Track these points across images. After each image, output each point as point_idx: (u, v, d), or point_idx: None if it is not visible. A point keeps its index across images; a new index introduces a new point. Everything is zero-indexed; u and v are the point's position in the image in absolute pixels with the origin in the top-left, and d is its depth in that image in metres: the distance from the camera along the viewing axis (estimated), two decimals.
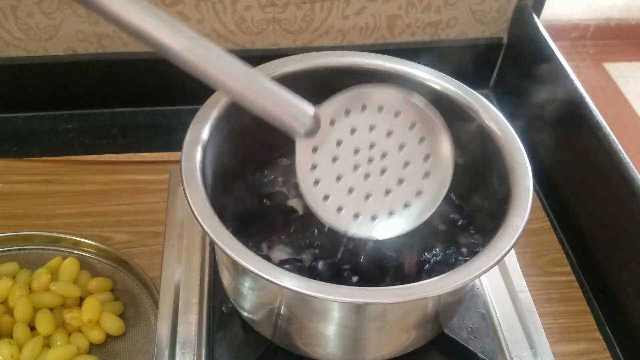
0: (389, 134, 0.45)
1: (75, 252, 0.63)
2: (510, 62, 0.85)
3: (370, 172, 0.45)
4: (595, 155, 0.65)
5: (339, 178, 0.45)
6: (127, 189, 0.72)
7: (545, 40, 0.75)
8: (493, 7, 0.81)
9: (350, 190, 0.45)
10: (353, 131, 0.45)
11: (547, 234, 0.71)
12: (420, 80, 0.51)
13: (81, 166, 0.74)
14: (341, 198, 0.45)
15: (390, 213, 0.45)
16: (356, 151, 0.45)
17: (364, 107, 0.45)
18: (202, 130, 0.45)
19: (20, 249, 0.63)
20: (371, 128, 0.45)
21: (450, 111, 0.50)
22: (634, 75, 1.87)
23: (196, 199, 0.40)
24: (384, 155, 0.45)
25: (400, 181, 0.45)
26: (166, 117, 0.83)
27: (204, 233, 0.50)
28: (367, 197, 0.45)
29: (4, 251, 0.62)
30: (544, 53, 0.75)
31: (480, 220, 0.51)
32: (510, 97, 0.86)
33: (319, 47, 0.81)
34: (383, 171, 0.45)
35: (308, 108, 0.44)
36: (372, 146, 0.45)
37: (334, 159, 0.45)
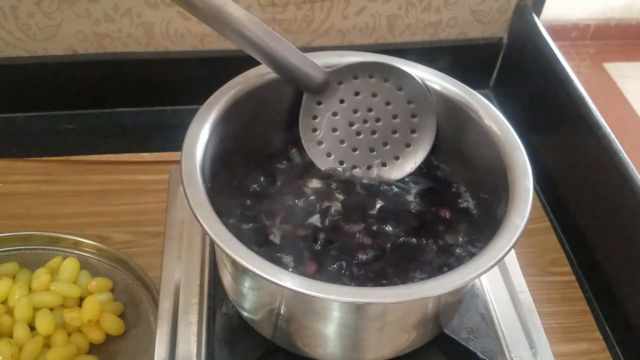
0: (387, 103, 0.52)
1: (75, 252, 0.63)
2: (510, 62, 0.85)
3: (362, 131, 0.52)
4: (595, 155, 0.65)
5: (334, 130, 0.52)
6: (127, 189, 0.72)
7: (545, 40, 0.75)
8: (493, 7, 0.81)
9: (342, 142, 0.52)
10: (357, 94, 0.51)
11: (547, 234, 0.71)
12: (420, 80, 0.51)
13: (81, 166, 0.74)
14: (332, 146, 0.52)
15: (369, 167, 0.53)
16: (355, 111, 0.52)
17: (371, 76, 0.51)
18: (202, 130, 0.45)
19: (20, 249, 0.63)
20: (373, 95, 0.52)
21: (450, 111, 0.50)
22: (634, 75, 1.87)
23: (196, 199, 0.40)
24: (377, 120, 0.52)
25: (385, 144, 0.52)
26: (166, 117, 0.83)
27: (204, 233, 0.50)
28: (354, 150, 0.52)
29: (4, 251, 0.62)
30: (544, 53, 0.75)
31: (480, 220, 0.51)
32: (510, 97, 0.86)
33: (319, 47, 0.81)
34: (373, 132, 0.52)
35: (319, 68, 0.49)
36: (369, 110, 0.52)
37: (334, 114, 0.52)
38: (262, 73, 0.50)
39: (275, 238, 0.48)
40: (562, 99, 0.71)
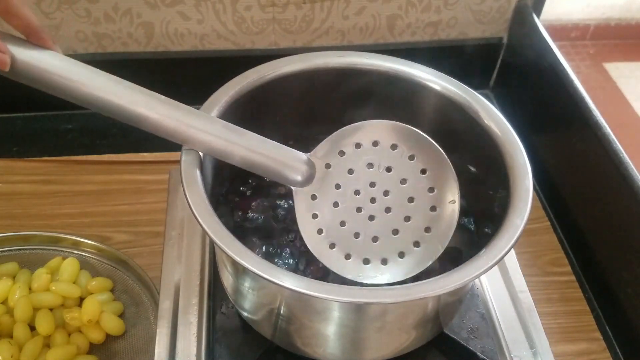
0: (389, 169, 0.44)
1: (75, 252, 0.63)
2: (510, 62, 0.85)
3: (375, 213, 0.44)
4: (595, 155, 0.65)
5: (342, 224, 0.44)
6: (127, 189, 0.72)
7: (545, 40, 0.75)
8: (493, 7, 0.81)
9: (357, 235, 0.43)
10: (351, 172, 0.44)
11: (547, 234, 0.71)
12: (420, 80, 0.51)
13: (81, 166, 0.74)
14: (348, 244, 0.43)
15: (401, 254, 0.43)
16: (357, 192, 0.44)
17: (358, 145, 0.44)
18: None
19: (20, 249, 0.63)
20: (369, 165, 0.44)
21: (450, 111, 0.50)
22: (634, 75, 1.87)
23: (196, 199, 0.40)
24: (386, 193, 0.44)
25: (407, 218, 0.43)
26: None
27: (204, 233, 0.50)
28: (375, 239, 0.43)
29: (4, 251, 0.62)
30: (544, 53, 0.75)
31: (480, 220, 0.51)
32: (510, 97, 0.86)
33: (319, 47, 0.81)
34: (388, 209, 0.44)
35: (300, 156, 0.44)
36: (372, 185, 0.44)
37: (335, 204, 0.44)
38: (262, 73, 0.50)
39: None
40: (562, 99, 0.71)
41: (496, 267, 0.53)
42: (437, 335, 0.49)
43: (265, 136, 0.48)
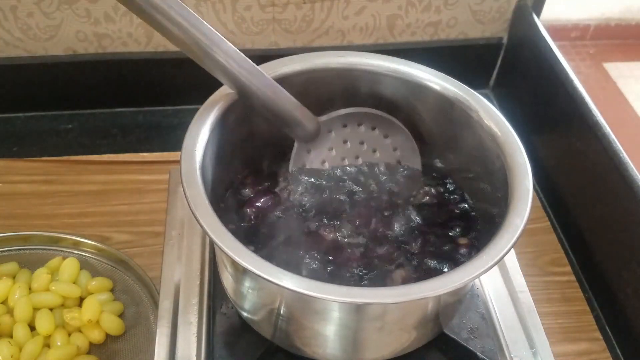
0: (374, 150, 0.53)
1: (75, 252, 0.63)
2: (510, 62, 0.85)
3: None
4: (595, 155, 0.65)
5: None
6: (127, 189, 0.72)
7: (545, 40, 0.75)
8: (493, 7, 0.81)
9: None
10: (345, 142, 0.52)
11: (547, 234, 0.71)
12: (420, 80, 0.51)
13: (81, 166, 0.74)
14: None
15: None
16: (342, 158, 0.53)
17: (359, 124, 0.52)
18: (202, 130, 0.45)
19: (20, 249, 0.63)
20: (361, 142, 0.53)
21: (450, 111, 0.50)
22: (634, 75, 1.87)
23: (196, 199, 0.40)
24: (365, 162, 0.53)
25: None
26: (166, 117, 0.83)
27: (204, 233, 0.50)
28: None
29: (4, 251, 0.62)
30: (544, 53, 0.75)
31: (479, 220, 0.51)
32: (510, 97, 0.86)
33: (319, 47, 0.81)
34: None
35: (313, 117, 0.50)
36: (356, 157, 0.53)
37: (323, 162, 0.53)
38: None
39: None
40: (562, 99, 0.71)
41: (496, 267, 0.53)
42: (437, 336, 0.49)
43: (264, 136, 0.48)
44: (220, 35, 0.42)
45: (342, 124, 0.52)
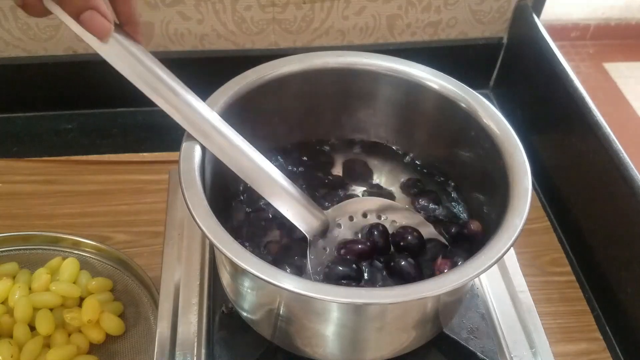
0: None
1: (75, 252, 0.63)
2: (510, 62, 0.85)
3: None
4: (595, 155, 0.65)
5: None
6: (127, 189, 0.72)
7: (545, 40, 0.75)
8: (493, 7, 0.81)
9: None
10: (356, 234, 0.49)
11: (547, 234, 0.71)
12: (420, 80, 0.51)
13: (81, 166, 0.74)
14: None
15: None
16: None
17: (364, 215, 0.50)
18: None
19: (20, 249, 0.63)
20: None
21: (450, 111, 0.50)
22: (634, 75, 1.87)
23: (195, 201, 0.40)
24: None
25: None
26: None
27: (203, 234, 0.50)
28: None
29: (4, 251, 0.62)
30: (544, 53, 0.75)
31: (479, 220, 0.51)
32: (510, 97, 0.86)
33: (319, 47, 0.81)
34: None
35: (321, 214, 0.48)
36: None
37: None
38: (262, 73, 0.50)
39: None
40: (562, 99, 0.71)
41: (496, 267, 0.53)
42: (437, 335, 0.49)
43: (264, 136, 0.48)
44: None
45: (348, 217, 0.49)
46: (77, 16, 0.37)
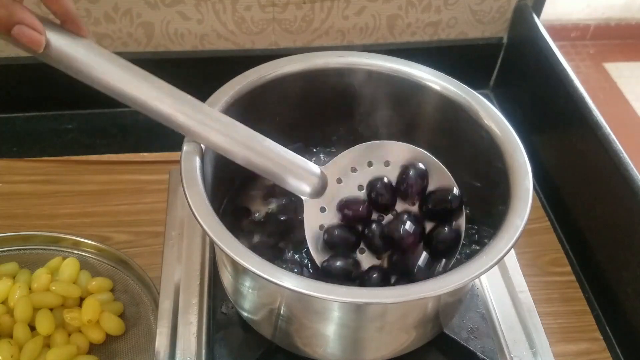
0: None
1: (75, 252, 0.63)
2: (510, 62, 0.85)
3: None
4: (595, 155, 0.65)
5: None
6: (127, 189, 0.72)
7: (545, 40, 0.75)
8: (493, 7, 0.81)
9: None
10: (360, 188, 0.45)
11: (547, 234, 0.71)
12: (420, 80, 0.51)
13: (81, 166, 0.74)
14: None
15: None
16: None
17: (370, 164, 0.46)
18: None
19: (20, 249, 0.63)
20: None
21: (450, 111, 0.50)
22: (634, 75, 1.87)
23: (196, 199, 0.40)
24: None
25: None
26: None
27: (204, 233, 0.50)
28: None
29: (4, 251, 0.62)
30: (544, 53, 0.75)
31: (479, 220, 0.51)
32: (510, 97, 0.86)
33: (319, 47, 0.81)
34: None
35: (313, 168, 0.45)
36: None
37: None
38: (262, 73, 0.50)
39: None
40: (562, 99, 0.71)
41: (496, 267, 0.53)
42: (437, 335, 0.49)
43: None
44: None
45: (350, 168, 0.46)
46: (7, 33, 0.36)
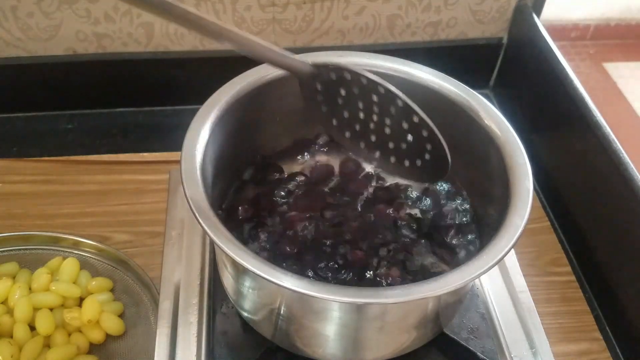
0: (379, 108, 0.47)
1: (75, 252, 0.63)
2: (510, 62, 0.85)
3: (371, 122, 0.47)
4: (595, 155, 0.65)
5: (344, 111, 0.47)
6: (127, 189, 0.72)
7: (545, 40, 0.75)
8: (493, 7, 0.81)
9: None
10: (354, 89, 0.45)
11: (547, 234, 0.71)
12: (420, 80, 0.51)
13: (81, 166, 0.74)
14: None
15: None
16: (356, 104, 0.47)
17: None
18: (202, 130, 0.45)
19: (20, 249, 0.63)
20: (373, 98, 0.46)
21: (450, 111, 0.50)
22: (634, 75, 1.87)
23: (196, 199, 0.40)
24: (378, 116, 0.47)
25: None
26: (166, 117, 0.83)
27: (204, 233, 0.50)
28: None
29: (4, 251, 0.62)
30: (544, 53, 0.75)
31: (480, 220, 0.51)
32: (510, 97, 0.86)
33: (319, 47, 0.81)
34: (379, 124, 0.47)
35: (305, 62, 0.45)
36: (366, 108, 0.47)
37: (341, 104, 0.47)
38: (262, 73, 0.50)
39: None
40: (562, 99, 0.71)
41: (496, 267, 0.53)
42: (437, 335, 0.49)
43: (265, 136, 0.48)
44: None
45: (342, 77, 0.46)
46: None
